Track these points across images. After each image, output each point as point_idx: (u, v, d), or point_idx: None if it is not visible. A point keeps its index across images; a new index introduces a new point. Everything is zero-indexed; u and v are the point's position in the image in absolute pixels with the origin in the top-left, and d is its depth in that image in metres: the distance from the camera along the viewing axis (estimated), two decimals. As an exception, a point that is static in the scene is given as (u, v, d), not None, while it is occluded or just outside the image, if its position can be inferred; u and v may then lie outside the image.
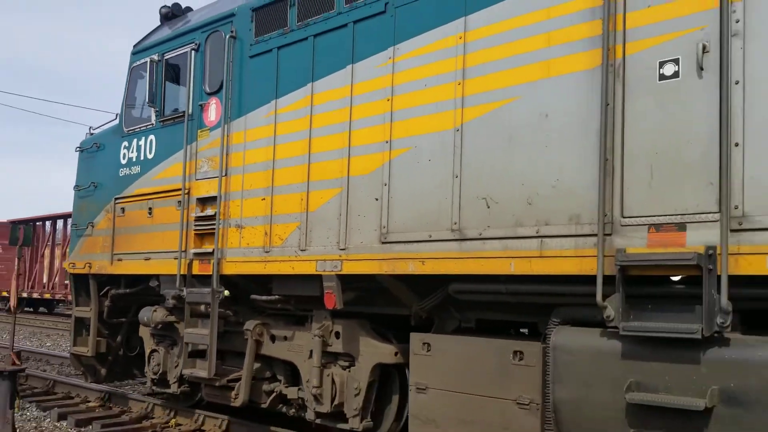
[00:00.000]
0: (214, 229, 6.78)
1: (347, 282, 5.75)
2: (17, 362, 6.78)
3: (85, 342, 8.70)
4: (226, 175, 6.79)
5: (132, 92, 8.32)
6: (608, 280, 4.04)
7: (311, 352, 6.18)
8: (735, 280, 3.69)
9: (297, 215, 6.05)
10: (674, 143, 3.91)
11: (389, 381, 6.16)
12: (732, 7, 3.73)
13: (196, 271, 7.02)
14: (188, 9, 8.84)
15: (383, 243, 5.34)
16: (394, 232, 5.28)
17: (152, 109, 7.80)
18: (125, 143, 8.23)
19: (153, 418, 8.08)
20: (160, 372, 7.85)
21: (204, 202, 7.07)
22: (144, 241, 7.70)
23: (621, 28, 4.15)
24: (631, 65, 4.09)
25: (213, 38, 7.18)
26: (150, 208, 7.68)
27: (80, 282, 8.86)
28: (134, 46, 8.41)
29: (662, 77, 3.97)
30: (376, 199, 5.43)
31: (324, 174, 5.87)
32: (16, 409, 6.67)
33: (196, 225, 7.03)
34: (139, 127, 8.05)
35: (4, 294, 28.23)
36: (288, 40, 6.35)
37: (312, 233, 5.91)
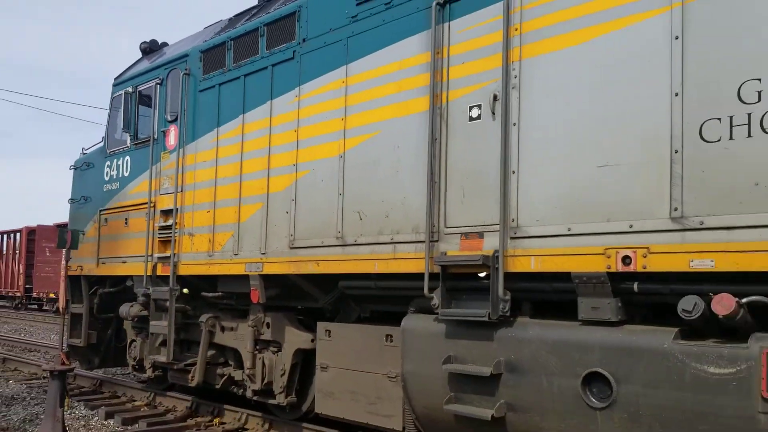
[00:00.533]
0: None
1: (270, 280, 6.96)
2: (66, 362, 6.70)
3: (80, 334, 10.05)
4: (181, 191, 8.06)
5: (114, 118, 9.64)
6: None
7: None
8: (524, 276, 4.81)
9: (232, 225, 7.29)
10: (477, 170, 5.03)
11: (311, 364, 7.36)
12: (512, 65, 4.84)
13: (159, 272, 8.30)
14: (164, 44, 10.13)
15: (291, 248, 6.55)
16: (299, 239, 6.48)
17: (127, 134, 9.12)
18: (108, 162, 9.57)
19: (197, 416, 8.27)
20: (138, 359, 9.17)
21: (166, 213, 8.34)
22: (121, 246, 9.02)
23: (446, 79, 5.29)
24: (452, 109, 5.23)
25: (173, 74, 8.45)
26: (126, 219, 9.01)
27: (75, 282, 10.20)
28: (115, 79, 9.74)
29: (470, 119, 5.10)
30: (287, 212, 6.63)
31: (251, 191, 7.09)
32: (65, 408, 6.63)
33: (159, 233, 8.31)
34: (118, 149, 9.38)
35: (52, 295, 30.09)
36: (226, 78, 7.59)
37: (242, 240, 7.14)
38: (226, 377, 8.00)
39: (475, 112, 5.07)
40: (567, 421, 4.48)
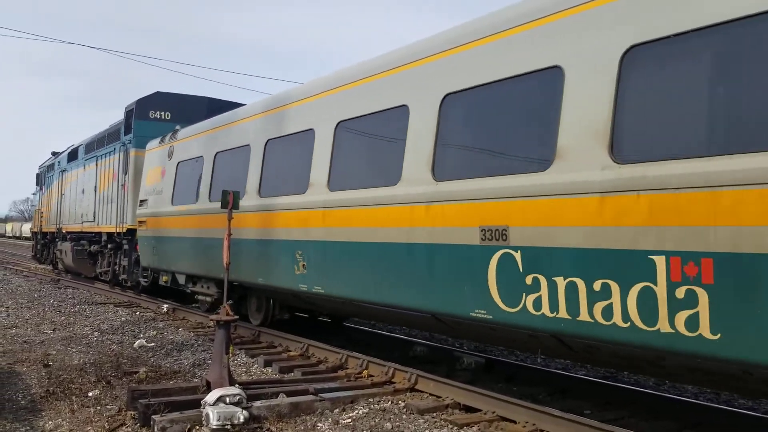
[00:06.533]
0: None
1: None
2: (230, 313, 6.89)
3: (34, 251, 29.22)
4: (41, 206, 26.77)
5: (39, 181, 28.74)
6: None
7: None
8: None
9: (47, 217, 25.63)
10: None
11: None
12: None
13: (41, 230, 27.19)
14: (58, 153, 28.21)
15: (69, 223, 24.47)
16: (64, 220, 24.41)
17: (38, 186, 28.57)
18: (39, 193, 28.88)
19: (347, 368, 8.29)
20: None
21: (41, 213, 26.99)
22: (39, 223, 28.19)
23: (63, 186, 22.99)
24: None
25: (48, 169, 26.98)
26: (38, 214, 27.98)
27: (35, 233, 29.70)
28: (39, 167, 28.88)
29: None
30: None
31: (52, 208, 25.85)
32: (230, 355, 6.87)
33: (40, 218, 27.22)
34: (39, 191, 28.73)
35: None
36: (52, 173, 25.97)
37: (59, 221, 25.63)
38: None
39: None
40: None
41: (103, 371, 7.79)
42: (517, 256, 5.51)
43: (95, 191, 18.97)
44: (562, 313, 5.18)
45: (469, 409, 6.45)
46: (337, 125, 8.16)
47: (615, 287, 4.79)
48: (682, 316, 4.42)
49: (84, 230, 19.97)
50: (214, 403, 5.83)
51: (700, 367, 4.74)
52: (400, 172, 6.92)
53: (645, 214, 4.60)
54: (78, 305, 14.64)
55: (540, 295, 5.35)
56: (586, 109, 5.13)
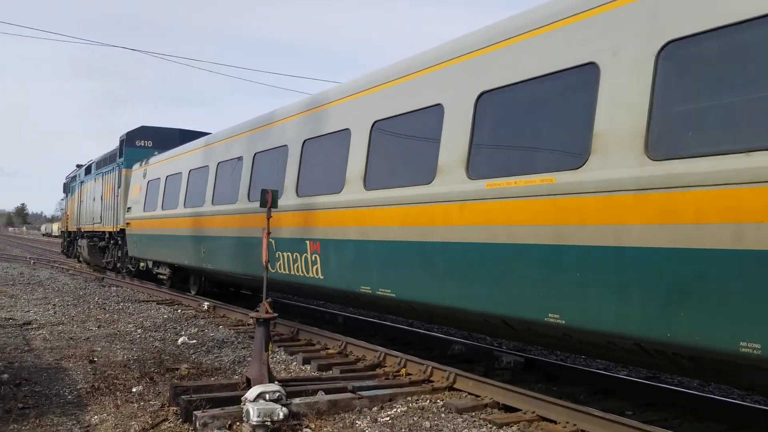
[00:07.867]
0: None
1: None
2: (269, 311, 6.95)
3: (62, 246, 35.96)
4: (66, 209, 32.77)
5: (66, 189, 34.90)
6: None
7: None
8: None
9: (72, 218, 31.67)
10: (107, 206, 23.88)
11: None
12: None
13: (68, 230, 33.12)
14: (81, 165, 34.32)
15: (82, 224, 29.03)
16: (82, 220, 28.56)
17: (65, 193, 34.37)
18: (65, 198, 34.91)
19: (385, 366, 8.33)
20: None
21: (66, 215, 33.01)
22: (64, 224, 33.75)
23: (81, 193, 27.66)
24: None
25: (71, 179, 33.02)
26: (65, 216, 33.81)
27: (64, 232, 35.94)
28: (65, 177, 34.99)
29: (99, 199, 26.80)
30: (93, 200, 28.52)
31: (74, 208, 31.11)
32: (269, 352, 6.89)
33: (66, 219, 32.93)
34: (66, 196, 34.68)
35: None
36: (74, 183, 31.68)
37: (78, 221, 30.72)
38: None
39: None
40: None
41: (146, 367, 7.94)
42: (273, 242, 10.36)
43: (102, 199, 24.98)
44: (287, 270, 10.23)
45: (508, 409, 6.45)
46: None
47: (298, 256, 9.85)
48: (313, 268, 9.49)
49: (95, 229, 26.09)
50: (254, 400, 5.88)
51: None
52: (236, 194, 12.07)
53: (304, 221, 9.65)
54: (121, 303, 14.88)
55: (280, 263, 10.38)
56: (291, 173, 10.23)
